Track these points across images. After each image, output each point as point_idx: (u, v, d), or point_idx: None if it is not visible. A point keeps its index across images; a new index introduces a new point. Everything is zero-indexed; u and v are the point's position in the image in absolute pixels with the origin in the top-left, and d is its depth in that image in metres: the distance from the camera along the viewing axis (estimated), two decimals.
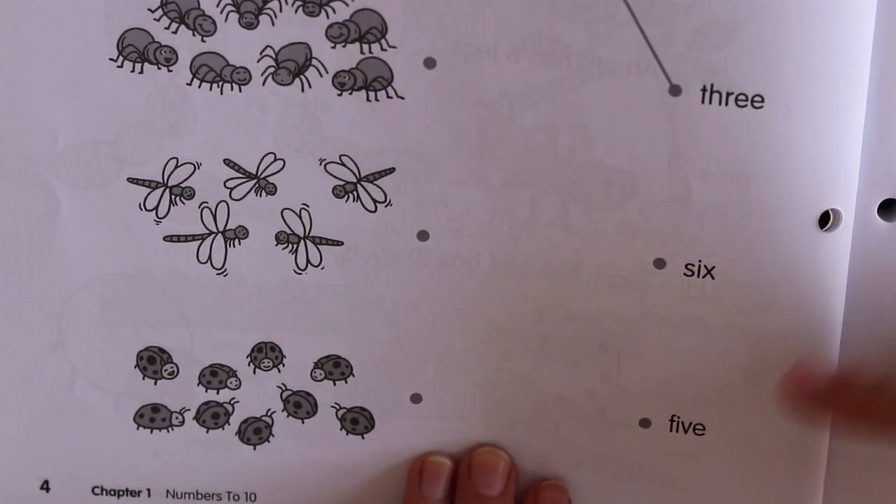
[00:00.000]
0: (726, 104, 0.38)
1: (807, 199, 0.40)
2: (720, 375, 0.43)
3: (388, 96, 0.40)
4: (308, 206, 0.42)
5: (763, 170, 0.39)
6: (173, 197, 0.42)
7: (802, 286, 0.41)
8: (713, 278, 0.41)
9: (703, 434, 0.44)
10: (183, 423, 0.45)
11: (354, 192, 0.42)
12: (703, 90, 0.39)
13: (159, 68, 0.40)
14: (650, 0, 0.38)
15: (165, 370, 0.44)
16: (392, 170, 0.41)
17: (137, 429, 0.45)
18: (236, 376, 0.44)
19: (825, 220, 0.40)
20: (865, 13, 0.38)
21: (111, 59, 0.40)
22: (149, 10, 0.39)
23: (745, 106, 0.38)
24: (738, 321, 0.42)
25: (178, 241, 0.42)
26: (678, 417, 0.44)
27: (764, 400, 0.43)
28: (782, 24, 0.38)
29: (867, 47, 0.38)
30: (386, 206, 0.42)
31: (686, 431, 0.44)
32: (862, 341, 0.43)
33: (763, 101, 0.38)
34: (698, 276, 0.41)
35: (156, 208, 0.42)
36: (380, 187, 0.41)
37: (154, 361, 0.44)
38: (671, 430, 0.44)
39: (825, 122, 0.39)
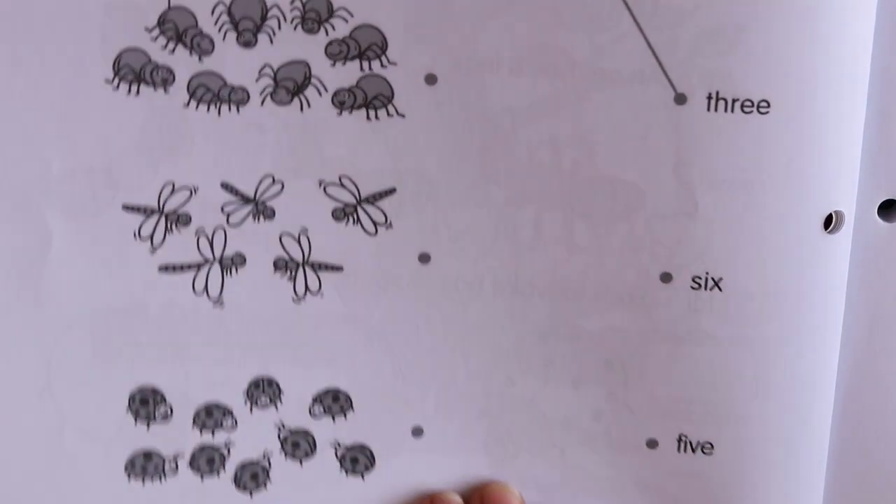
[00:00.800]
0: (732, 111, 0.38)
1: (812, 203, 0.40)
2: (728, 390, 0.42)
3: (389, 114, 0.40)
4: (307, 229, 0.41)
5: (769, 176, 0.39)
6: (169, 224, 0.41)
7: (809, 290, 0.41)
8: (720, 290, 0.41)
9: (711, 453, 0.43)
10: (177, 469, 0.43)
11: (354, 215, 0.41)
12: (709, 97, 0.38)
13: (156, 89, 0.39)
14: (653, 6, 0.38)
15: (159, 412, 0.42)
16: (393, 190, 0.41)
17: (129, 480, 0.43)
18: (232, 415, 0.43)
19: (827, 221, 0.40)
20: (866, 15, 0.38)
21: (107, 81, 0.39)
22: (145, 29, 0.39)
23: (752, 112, 0.38)
24: (746, 332, 0.41)
25: (174, 271, 0.41)
26: (686, 437, 0.43)
27: (773, 411, 0.42)
28: (786, 28, 0.38)
29: (867, 48, 0.39)
30: (387, 228, 0.41)
31: (694, 451, 0.43)
32: (862, 342, 0.43)
33: (769, 106, 0.38)
34: (705, 288, 0.41)
35: (151, 237, 0.41)
36: (380, 209, 0.41)
37: (147, 403, 0.42)
38: (679, 450, 0.43)
39: (829, 124, 0.39)
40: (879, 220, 0.41)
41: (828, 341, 0.42)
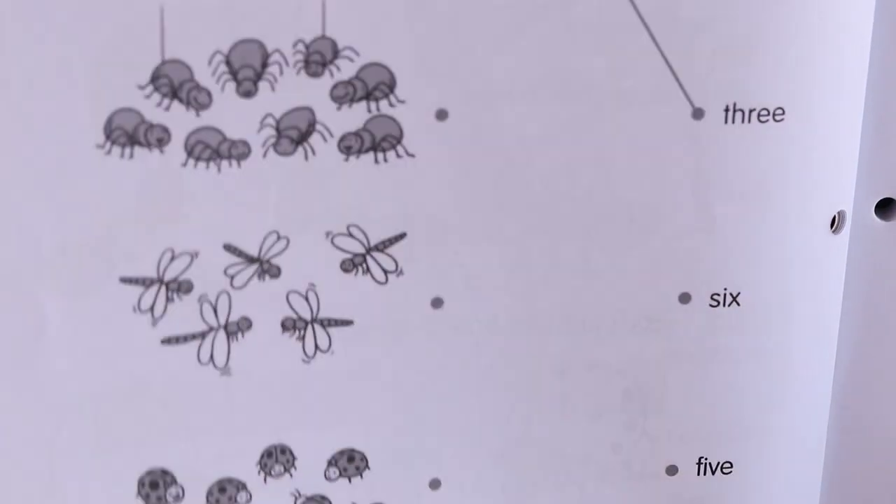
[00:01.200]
0: (749, 121, 0.38)
1: (821, 204, 0.40)
2: (746, 405, 0.42)
3: (398, 156, 0.38)
4: (315, 285, 0.39)
5: (784, 182, 0.39)
6: (170, 293, 0.38)
7: (816, 293, 0.41)
8: (739, 304, 0.40)
9: (730, 472, 0.43)
10: None
11: (364, 265, 0.39)
12: (726, 110, 0.38)
13: (151, 151, 0.36)
14: (670, 22, 0.37)
15: (170, 494, 0.39)
16: (403, 235, 0.39)
17: None
18: (246, 489, 0.40)
19: (832, 221, 0.40)
20: (866, 14, 0.38)
21: (98, 146, 0.36)
22: (138, 86, 0.36)
23: (768, 121, 0.38)
24: (763, 344, 0.41)
25: (178, 342, 0.38)
26: (706, 459, 0.42)
27: (785, 420, 0.42)
28: (795, 33, 0.38)
29: (866, 46, 0.39)
30: (397, 275, 0.39)
31: (714, 472, 0.43)
32: (858, 340, 0.43)
33: (784, 113, 0.38)
34: (724, 304, 0.40)
35: (151, 309, 0.38)
36: (390, 255, 0.39)
37: (157, 486, 0.39)
38: (699, 474, 0.43)
39: (835, 125, 0.39)
40: (877, 219, 0.41)
41: (828, 342, 0.42)
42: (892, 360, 0.43)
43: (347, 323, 0.39)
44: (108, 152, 0.36)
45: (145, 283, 0.37)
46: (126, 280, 0.37)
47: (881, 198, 0.41)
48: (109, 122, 0.36)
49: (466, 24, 0.37)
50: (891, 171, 0.41)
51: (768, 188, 0.39)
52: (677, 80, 0.38)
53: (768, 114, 0.38)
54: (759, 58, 0.38)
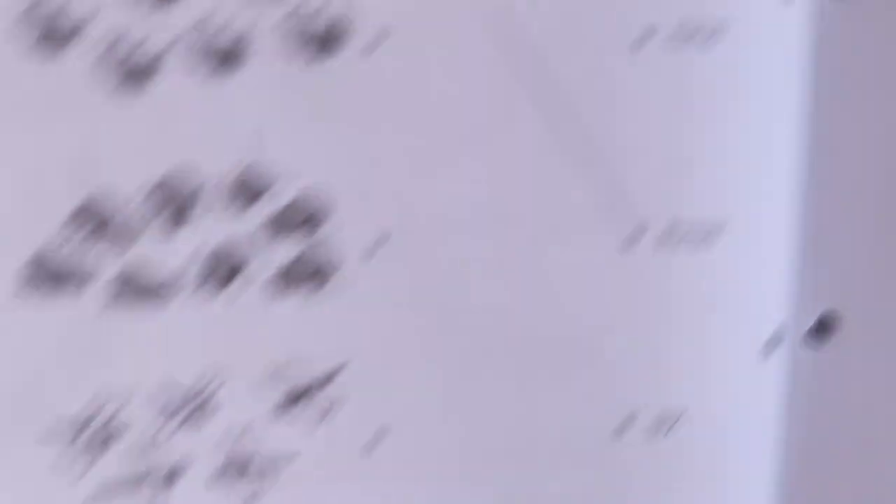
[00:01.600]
0: (686, 242, 0.37)
1: (755, 327, 0.39)
2: None
3: (335, 287, 0.36)
4: (250, 428, 0.36)
5: (720, 302, 0.38)
6: (96, 444, 0.35)
7: (753, 414, 0.40)
8: (675, 432, 0.39)
9: None
10: None
11: (300, 404, 0.36)
12: (665, 230, 0.37)
13: (73, 294, 0.33)
14: (607, 147, 0.36)
15: None
16: (341, 369, 0.37)
17: None
18: None
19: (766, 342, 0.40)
20: (791, 124, 0.38)
21: (17, 294, 0.33)
22: (60, 225, 0.33)
23: (704, 239, 0.37)
24: (701, 470, 0.40)
25: (103, 499, 0.35)
26: None
27: None
28: (732, 150, 0.37)
29: (797, 167, 0.39)
30: (334, 413, 0.37)
31: None
32: (798, 459, 0.42)
33: (721, 230, 0.37)
34: (661, 432, 0.39)
35: (75, 464, 0.34)
36: (328, 393, 0.37)
37: None
38: None
39: (770, 242, 0.39)
40: (810, 342, 0.40)
41: (764, 464, 0.41)
42: (830, 480, 0.42)
43: (282, 466, 0.37)
44: (28, 299, 0.33)
45: (68, 436, 0.34)
46: (47, 436, 0.34)
47: (815, 318, 0.40)
48: (29, 265, 0.33)
49: (406, 150, 0.35)
50: (825, 291, 0.40)
51: (703, 309, 0.38)
52: (617, 202, 0.37)
53: (705, 232, 0.37)
54: (699, 176, 0.37)
